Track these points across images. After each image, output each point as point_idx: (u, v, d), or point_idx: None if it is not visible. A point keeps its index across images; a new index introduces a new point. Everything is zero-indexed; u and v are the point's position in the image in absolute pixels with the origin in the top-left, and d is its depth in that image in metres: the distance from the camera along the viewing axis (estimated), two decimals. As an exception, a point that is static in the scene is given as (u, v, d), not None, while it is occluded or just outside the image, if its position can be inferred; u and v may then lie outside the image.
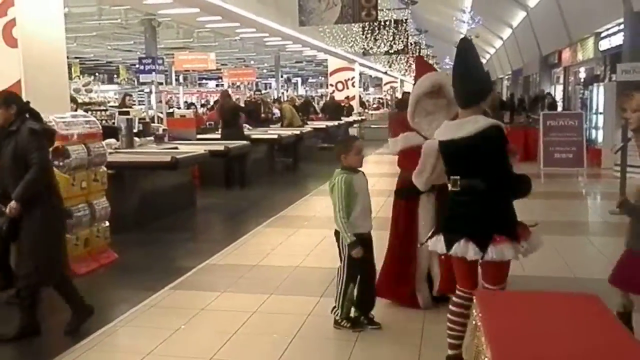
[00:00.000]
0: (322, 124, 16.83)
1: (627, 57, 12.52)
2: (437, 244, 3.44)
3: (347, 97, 22.52)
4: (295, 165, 14.20)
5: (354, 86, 24.39)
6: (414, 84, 4.74)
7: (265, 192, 10.85)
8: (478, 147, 3.22)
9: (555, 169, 10.87)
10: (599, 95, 13.18)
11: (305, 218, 8.37)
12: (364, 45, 19.35)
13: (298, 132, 13.23)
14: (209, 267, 6.02)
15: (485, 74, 3.49)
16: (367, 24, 18.41)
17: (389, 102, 26.60)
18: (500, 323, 2.01)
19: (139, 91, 23.28)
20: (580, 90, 15.35)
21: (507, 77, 39.98)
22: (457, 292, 3.47)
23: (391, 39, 19.23)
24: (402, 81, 41.14)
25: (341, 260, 4.26)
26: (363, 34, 19.45)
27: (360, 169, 4.32)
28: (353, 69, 24.51)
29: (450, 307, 3.48)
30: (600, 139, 12.89)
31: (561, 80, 22.97)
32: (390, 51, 19.62)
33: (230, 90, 18.94)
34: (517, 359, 1.79)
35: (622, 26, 13.43)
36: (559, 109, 17.96)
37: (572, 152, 10.81)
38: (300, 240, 7.19)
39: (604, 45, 15.44)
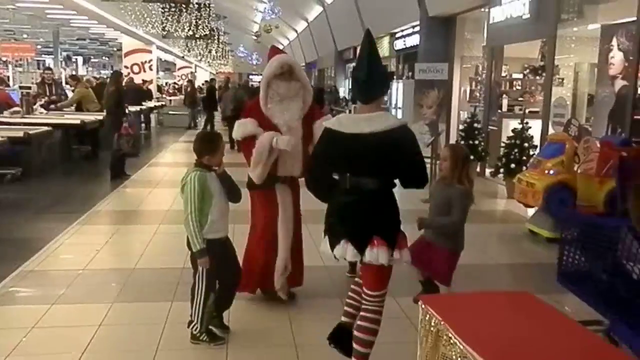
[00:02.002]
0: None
1: (422, 58, 13.63)
2: (324, 246, 3.31)
3: (144, 81, 21.23)
4: (95, 154, 12.96)
5: (151, 69, 23.09)
6: (264, 71, 4.54)
7: (68, 185, 9.71)
8: (384, 145, 3.08)
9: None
10: (397, 91, 14.19)
11: (125, 213, 7.65)
12: (165, 27, 18.36)
13: (101, 118, 12.05)
14: (24, 275, 5.13)
15: (385, 68, 3.40)
16: (168, 5, 17.56)
17: (187, 89, 25.83)
18: (470, 327, 1.91)
19: None
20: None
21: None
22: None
23: (194, 22, 18.56)
24: (196, 67, 40.25)
25: (195, 269, 3.79)
26: (164, 16, 18.48)
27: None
28: (150, 51, 23.20)
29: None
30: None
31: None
32: (196, 35, 18.93)
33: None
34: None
35: (417, 28, 14.59)
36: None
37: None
38: (127, 238, 6.53)
39: (399, 45, 16.68)
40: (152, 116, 19.73)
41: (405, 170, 3.19)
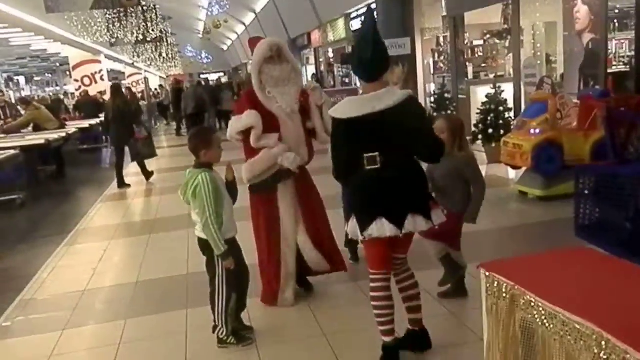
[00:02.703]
0: (82, 124, 15.10)
1: (381, 35, 13.56)
2: (354, 230, 3.21)
3: (100, 92, 20.65)
4: (61, 173, 12.54)
5: (102, 80, 22.43)
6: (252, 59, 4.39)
7: (42, 207, 9.34)
8: (400, 119, 3.05)
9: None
10: (361, 71, 14.09)
11: (111, 228, 7.40)
12: (113, 34, 17.82)
13: (64, 135, 11.66)
14: (25, 305, 4.91)
15: (385, 46, 3.31)
16: (112, 11, 17.07)
17: (144, 97, 25.24)
18: (550, 287, 1.86)
19: None
20: (339, 68, 16.27)
21: (252, 61, 40.97)
22: (374, 275, 3.28)
23: (142, 26, 18.08)
24: (146, 73, 39.36)
25: (214, 273, 3.66)
26: (110, 22, 17.96)
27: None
28: (100, 61, 22.55)
29: (375, 293, 3.26)
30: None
31: (312, 61, 24.22)
32: (147, 39, 18.44)
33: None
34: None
35: (373, 6, 14.48)
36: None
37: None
38: (121, 253, 6.33)
39: (356, 25, 16.56)
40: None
41: (423, 141, 3.18)
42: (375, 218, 3.12)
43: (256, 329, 3.92)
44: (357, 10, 16.46)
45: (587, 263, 2.11)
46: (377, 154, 3.10)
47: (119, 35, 17.64)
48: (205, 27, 34.50)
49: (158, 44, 22.60)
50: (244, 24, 33.81)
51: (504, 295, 1.92)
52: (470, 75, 13.03)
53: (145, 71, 38.47)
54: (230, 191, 3.71)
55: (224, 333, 3.72)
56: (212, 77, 36.59)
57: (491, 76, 13.59)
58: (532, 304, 1.83)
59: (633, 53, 7.87)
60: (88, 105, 17.44)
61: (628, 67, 8.13)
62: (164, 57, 28.92)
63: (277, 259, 4.21)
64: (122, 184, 10.10)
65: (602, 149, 6.47)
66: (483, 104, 9.60)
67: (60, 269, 5.86)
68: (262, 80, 4.13)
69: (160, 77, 46.84)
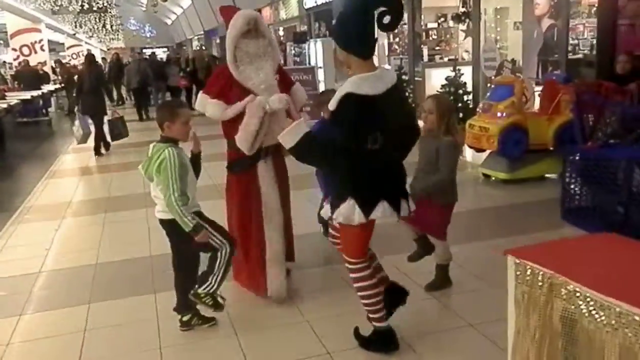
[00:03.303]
0: (22, 95, 14.30)
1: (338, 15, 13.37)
2: (349, 213, 2.98)
3: (39, 63, 19.60)
4: (1, 146, 11.86)
5: (43, 50, 21.26)
6: (227, 33, 4.13)
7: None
8: (397, 98, 2.98)
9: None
10: (316, 50, 13.89)
11: (61, 206, 6.97)
12: (56, 1, 16.84)
13: (6, 106, 10.99)
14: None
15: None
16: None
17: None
18: (593, 275, 1.78)
19: None
20: (293, 47, 15.98)
21: (197, 37, 39.93)
22: (360, 264, 3.12)
23: (87, -6, 17.22)
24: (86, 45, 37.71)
25: (212, 248, 3.44)
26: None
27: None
28: (40, 30, 21.35)
29: (364, 283, 3.11)
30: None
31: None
32: (94, 8, 17.50)
33: None
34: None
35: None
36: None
37: (310, 105, 11.20)
38: (75, 233, 5.99)
39: (310, 3, 16.30)
40: (52, 100, 18.32)
41: (411, 121, 3.16)
42: (379, 201, 2.99)
43: (236, 317, 3.73)
44: (312, -12, 16.19)
45: (619, 248, 2.04)
46: (378, 133, 2.95)
47: (63, 3, 16.66)
48: (153, -1, 33.26)
49: (102, 14, 21.56)
50: (190, -3, 32.86)
51: (540, 283, 1.83)
52: (426, 58, 13.05)
53: (86, 43, 36.91)
54: (194, 166, 3.51)
55: (213, 289, 3.46)
56: (160, 53, 35.35)
57: (445, 59, 13.68)
58: (578, 294, 1.74)
59: (593, 40, 8.00)
60: (28, 76, 16.54)
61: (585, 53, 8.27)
62: (107, 29, 27.65)
63: (261, 241, 3.98)
64: (98, 152, 10.23)
65: (565, 133, 6.58)
66: (443, 86, 9.62)
67: (9, 249, 5.49)
68: (236, 57, 3.89)
69: (101, 49, 45.03)
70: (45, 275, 4.74)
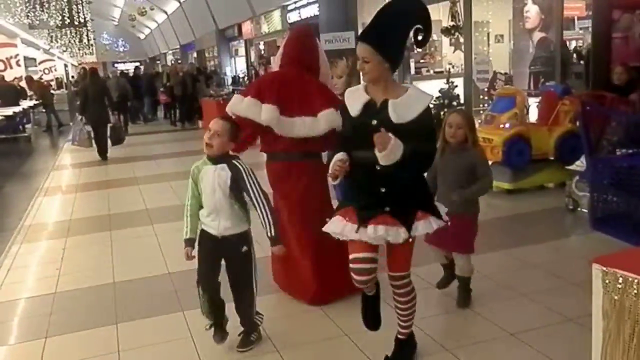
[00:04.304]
0: (5, 111, 14.01)
1: (324, 28, 13.45)
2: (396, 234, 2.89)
3: (17, 78, 19.25)
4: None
5: (18, 65, 20.97)
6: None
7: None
8: None
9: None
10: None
11: (62, 224, 6.86)
12: (35, 16, 16.59)
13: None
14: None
15: None
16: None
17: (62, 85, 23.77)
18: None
19: None
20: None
21: (172, 51, 39.69)
22: (409, 276, 3.11)
23: (66, 9, 16.96)
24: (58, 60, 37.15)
25: (250, 269, 3.44)
26: (31, 4, 16.77)
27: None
28: (15, 45, 21.02)
29: (413, 293, 3.13)
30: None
31: (241, 53, 23.69)
32: (75, 23, 17.27)
33: None
34: None
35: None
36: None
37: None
38: (84, 251, 5.86)
39: (293, 17, 16.34)
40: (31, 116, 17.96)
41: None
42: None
43: (271, 333, 3.69)
44: (295, 2, 16.25)
45: None
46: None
47: (42, 18, 16.41)
48: (130, 14, 32.95)
49: (78, 29, 21.28)
50: (165, 12, 32.68)
51: (635, 291, 1.86)
52: (413, 71, 13.21)
53: (59, 57, 36.37)
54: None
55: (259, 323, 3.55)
56: (126, 67, 34.90)
57: (431, 72, 13.85)
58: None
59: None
60: (6, 92, 16.22)
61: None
62: (82, 43, 27.30)
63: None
64: (104, 156, 11.20)
65: (565, 143, 6.73)
66: (437, 98, 9.72)
67: (17, 270, 5.33)
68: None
69: (72, 65, 44.38)
70: (62, 295, 4.62)
